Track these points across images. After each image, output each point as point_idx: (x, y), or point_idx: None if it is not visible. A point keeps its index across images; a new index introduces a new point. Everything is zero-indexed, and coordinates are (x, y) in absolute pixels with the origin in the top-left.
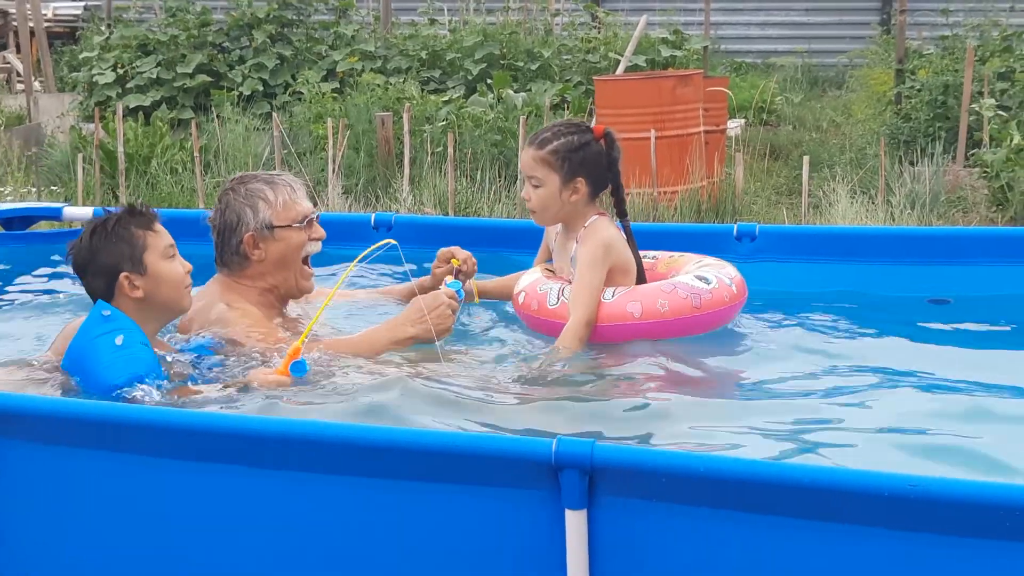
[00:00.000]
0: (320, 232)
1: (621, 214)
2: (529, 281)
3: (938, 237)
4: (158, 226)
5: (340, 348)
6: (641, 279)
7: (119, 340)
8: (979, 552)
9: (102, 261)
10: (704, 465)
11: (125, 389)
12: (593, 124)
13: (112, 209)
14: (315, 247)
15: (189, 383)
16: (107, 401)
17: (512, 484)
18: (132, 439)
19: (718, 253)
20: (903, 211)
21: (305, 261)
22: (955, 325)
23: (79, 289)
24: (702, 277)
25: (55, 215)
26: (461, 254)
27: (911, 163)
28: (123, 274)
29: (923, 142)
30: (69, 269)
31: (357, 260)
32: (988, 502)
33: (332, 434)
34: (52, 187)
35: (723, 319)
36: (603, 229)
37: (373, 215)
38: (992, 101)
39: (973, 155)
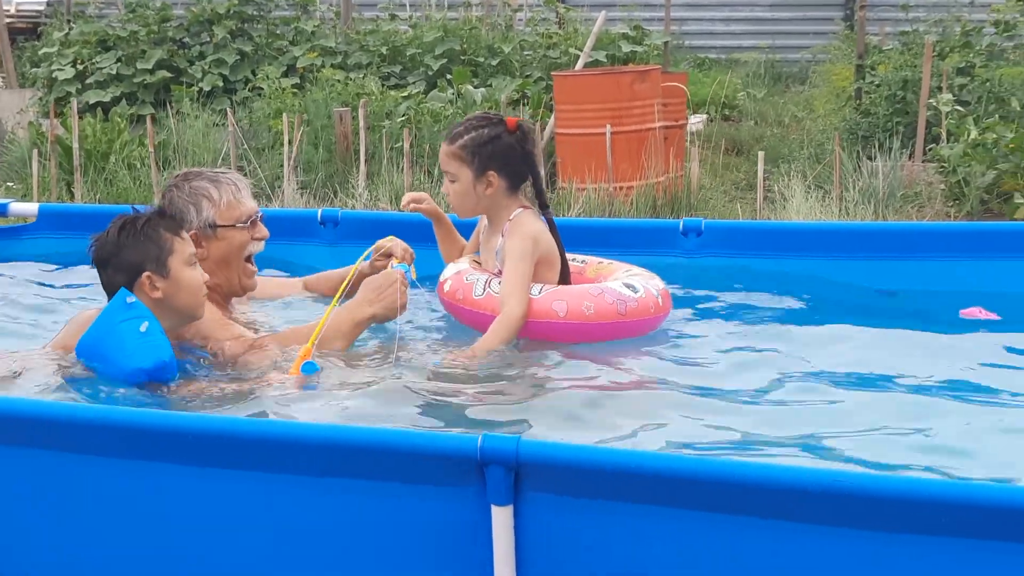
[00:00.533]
0: (263, 232)
1: (542, 206)
2: (455, 271)
3: (883, 232)
4: (184, 233)
5: (300, 338)
6: (565, 273)
7: (143, 327)
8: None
9: (127, 257)
10: (628, 460)
11: (152, 371)
12: (505, 115)
13: (140, 208)
14: (258, 247)
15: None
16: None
17: (438, 481)
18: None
19: (664, 248)
20: (858, 206)
21: (248, 259)
22: (900, 319)
23: (21, 287)
24: (630, 285)
25: (1, 211)
26: (398, 248)
27: (869, 158)
28: (146, 273)
29: (882, 137)
30: (14, 267)
31: (360, 259)
32: (910, 497)
33: (249, 431)
34: (8, 183)
35: (645, 328)
36: (528, 222)
37: (320, 211)
38: (950, 96)
39: (931, 150)
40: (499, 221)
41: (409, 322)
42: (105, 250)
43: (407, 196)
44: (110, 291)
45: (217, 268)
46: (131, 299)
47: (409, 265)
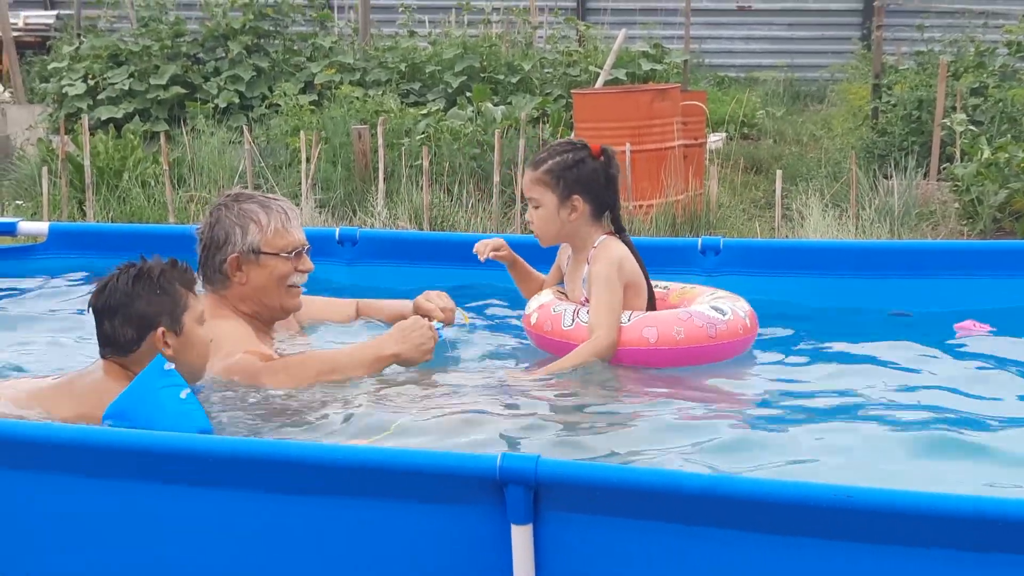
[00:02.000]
0: (308, 265)
1: (618, 229)
2: (540, 303)
3: (899, 251)
4: (197, 289)
5: (319, 363)
6: (651, 299)
7: (183, 395)
8: (914, 560)
9: (140, 309)
10: (648, 479)
11: None
12: (576, 137)
13: (147, 256)
14: (300, 279)
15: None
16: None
17: (458, 500)
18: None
19: (683, 267)
20: (873, 224)
21: (290, 287)
22: (916, 340)
23: (27, 306)
24: (717, 308)
25: (10, 230)
26: (436, 310)
27: (885, 177)
28: (161, 328)
29: (897, 156)
30: (24, 287)
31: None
32: (923, 512)
33: (278, 453)
34: (17, 201)
35: (735, 350)
36: (613, 248)
37: (338, 229)
38: (964, 116)
39: (945, 169)
40: (583, 249)
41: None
42: (114, 298)
43: (485, 245)
44: (111, 343)
45: (255, 295)
46: (169, 366)
47: (444, 325)
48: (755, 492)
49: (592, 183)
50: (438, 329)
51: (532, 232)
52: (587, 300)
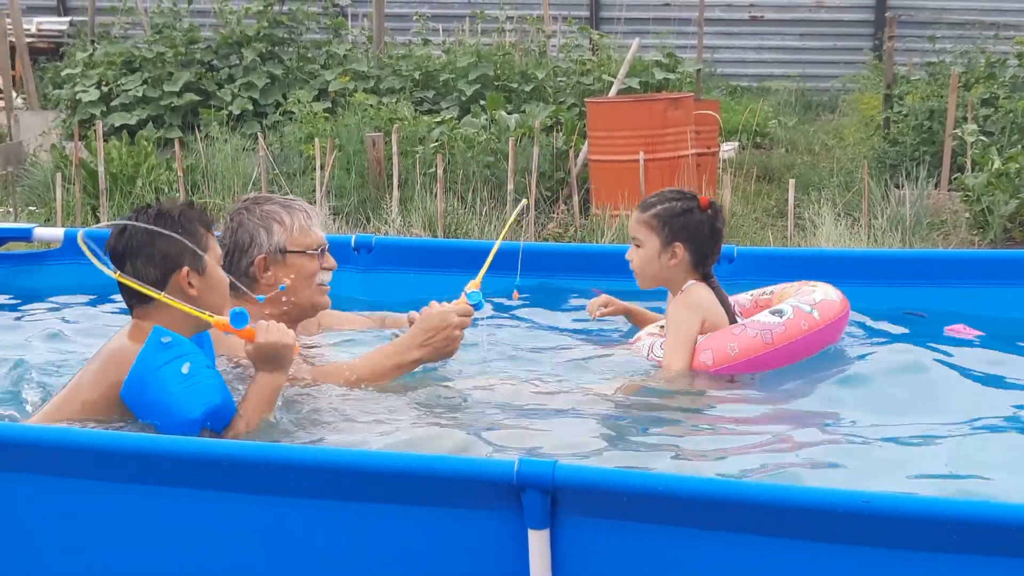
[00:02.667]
0: (332, 262)
1: (706, 276)
2: (639, 335)
3: (911, 259)
4: (213, 232)
5: (339, 373)
6: None
7: (185, 368)
8: (931, 565)
9: (163, 248)
10: (664, 484)
11: (203, 420)
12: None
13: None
14: (326, 276)
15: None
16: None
17: (475, 505)
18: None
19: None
20: (885, 233)
21: (319, 285)
22: (931, 344)
23: (46, 314)
24: (778, 311)
25: (25, 236)
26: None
27: (897, 186)
28: (185, 268)
29: (909, 166)
30: (39, 288)
31: (506, 228)
32: (937, 517)
33: (295, 457)
34: (31, 207)
35: (810, 347)
36: (697, 291)
37: (354, 236)
38: (975, 127)
39: (956, 179)
40: (675, 293)
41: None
42: (136, 239)
43: (594, 304)
44: (130, 296)
45: (283, 295)
46: (166, 339)
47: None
48: (772, 496)
49: (696, 233)
50: (476, 303)
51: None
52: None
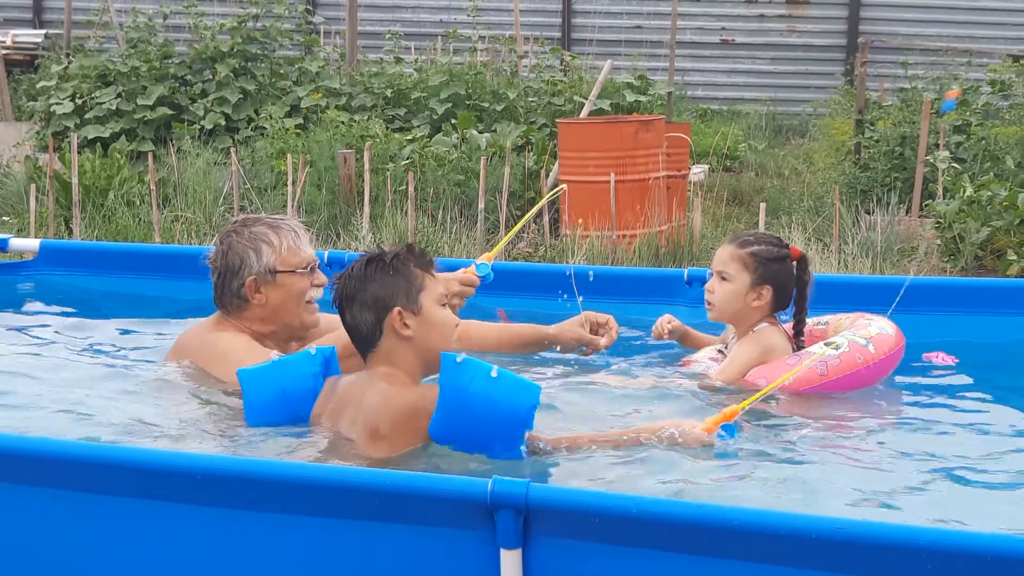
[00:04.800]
0: (322, 279)
1: (796, 334)
2: (696, 356)
3: (882, 285)
4: (435, 272)
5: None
6: None
7: (494, 372)
8: None
9: (374, 292)
10: (637, 506)
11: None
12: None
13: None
14: (317, 293)
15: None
16: None
17: (448, 524)
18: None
19: (668, 297)
20: (856, 259)
21: (308, 302)
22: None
23: (19, 324)
24: (832, 343)
25: (0, 247)
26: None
27: (867, 212)
28: (397, 308)
29: (880, 192)
30: (14, 303)
31: (533, 211)
32: (911, 544)
33: (267, 472)
34: (4, 217)
35: (860, 381)
36: (772, 336)
37: (327, 252)
38: (946, 153)
39: (927, 206)
40: (743, 331)
41: None
42: (350, 286)
43: (662, 325)
44: (355, 334)
45: (276, 314)
46: (460, 357)
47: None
48: (745, 521)
49: (785, 282)
50: (483, 274)
51: (706, 301)
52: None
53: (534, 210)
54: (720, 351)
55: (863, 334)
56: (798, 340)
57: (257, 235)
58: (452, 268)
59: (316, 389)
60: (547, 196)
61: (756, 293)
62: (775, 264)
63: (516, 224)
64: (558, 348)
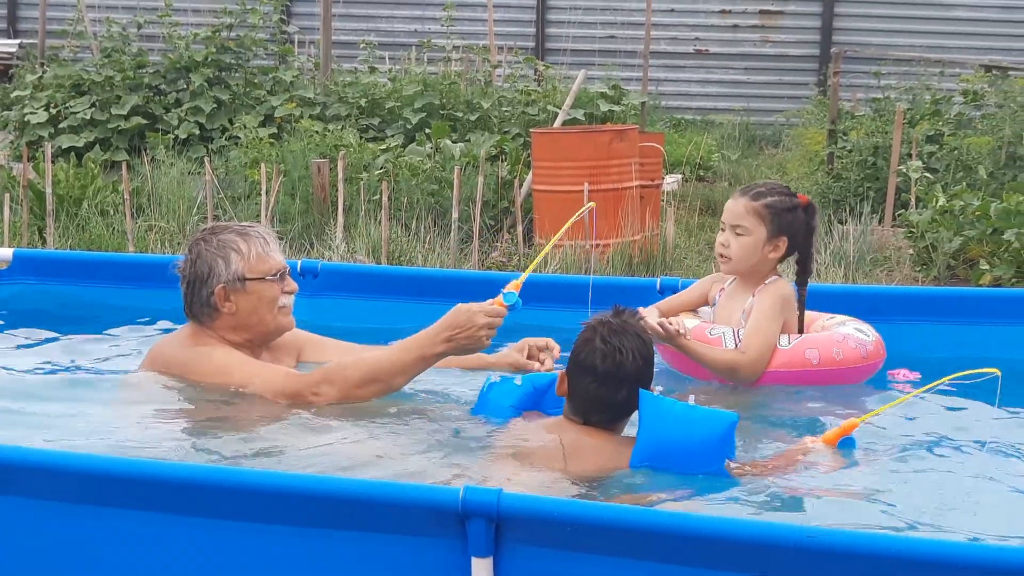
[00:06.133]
0: (292, 285)
1: (801, 283)
2: (694, 325)
3: (853, 295)
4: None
5: (358, 367)
6: None
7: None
8: None
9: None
10: (608, 515)
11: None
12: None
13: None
14: (288, 299)
15: None
16: None
17: (419, 532)
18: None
19: (641, 305)
20: (828, 268)
21: (281, 307)
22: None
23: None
24: (861, 330)
25: None
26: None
27: (840, 222)
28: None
29: (852, 201)
30: None
31: (564, 228)
32: (879, 553)
33: (237, 480)
34: None
35: (873, 371)
36: (785, 288)
37: (300, 261)
38: (919, 163)
39: (900, 215)
40: (752, 284)
41: None
42: (632, 368)
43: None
44: (616, 408)
45: (246, 322)
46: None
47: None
48: (717, 530)
49: (798, 232)
50: (512, 304)
51: (719, 255)
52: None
53: (559, 233)
54: (698, 316)
55: (871, 330)
56: (802, 287)
57: (225, 243)
58: (491, 282)
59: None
60: (573, 217)
61: (773, 245)
62: (789, 214)
63: (544, 247)
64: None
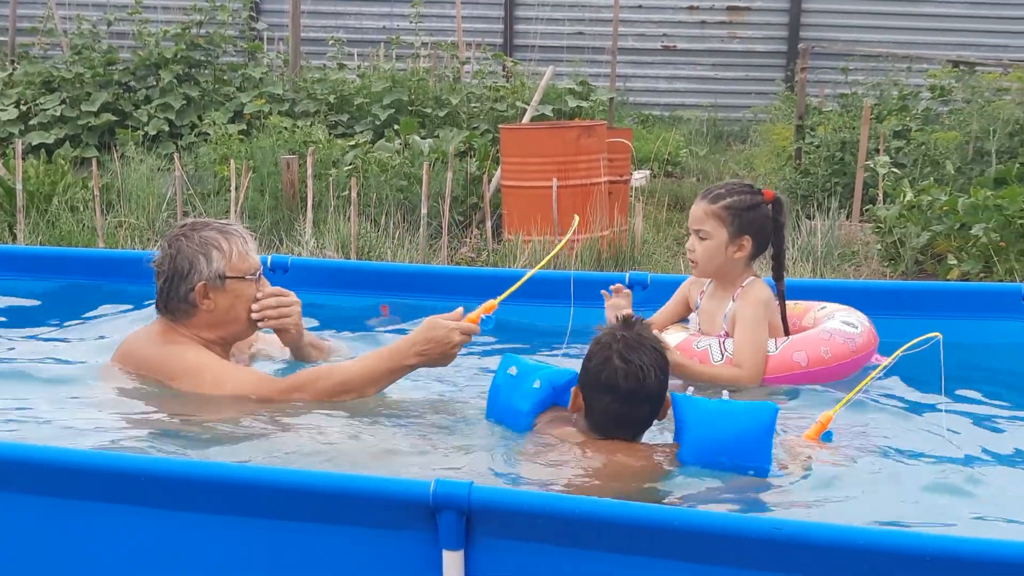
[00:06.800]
0: (268, 287)
1: (778, 277)
2: (680, 339)
3: (822, 290)
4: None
5: (330, 377)
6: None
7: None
8: None
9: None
10: (578, 507)
11: None
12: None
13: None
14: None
15: None
16: None
17: (390, 525)
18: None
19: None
20: (796, 264)
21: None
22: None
23: None
24: (848, 323)
25: None
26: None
27: (808, 217)
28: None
29: (820, 197)
30: None
31: (550, 256)
32: (848, 545)
33: (207, 473)
34: None
35: (867, 360)
36: (762, 289)
37: (270, 257)
38: (887, 158)
39: (868, 211)
40: (730, 286)
41: None
42: (644, 387)
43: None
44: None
45: (222, 320)
46: (690, 390)
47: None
48: (687, 522)
49: (763, 228)
50: (485, 324)
51: (690, 260)
52: (726, 335)
53: (552, 254)
54: (685, 327)
55: (863, 319)
56: (779, 282)
57: (207, 240)
58: (460, 277)
59: None
60: (566, 237)
61: (737, 245)
62: (750, 213)
63: (520, 279)
64: None
